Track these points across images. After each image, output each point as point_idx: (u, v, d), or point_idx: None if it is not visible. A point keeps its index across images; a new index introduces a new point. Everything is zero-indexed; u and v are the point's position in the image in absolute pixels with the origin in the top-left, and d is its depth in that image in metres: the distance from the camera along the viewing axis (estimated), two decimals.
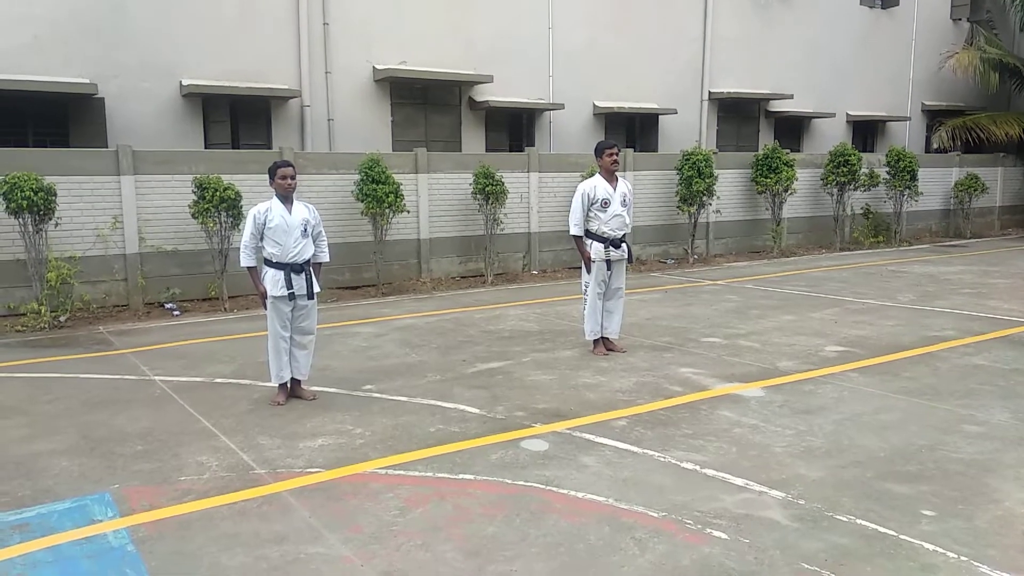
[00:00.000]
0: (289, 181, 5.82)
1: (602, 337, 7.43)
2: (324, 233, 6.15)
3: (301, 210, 5.89)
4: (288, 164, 5.91)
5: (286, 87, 12.67)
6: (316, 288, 5.99)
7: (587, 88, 15.81)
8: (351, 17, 13.29)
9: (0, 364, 7.29)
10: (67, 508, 4.12)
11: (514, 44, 14.85)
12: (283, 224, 5.77)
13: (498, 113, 14.98)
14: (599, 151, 7.23)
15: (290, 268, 5.82)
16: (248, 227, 5.84)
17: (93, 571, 3.48)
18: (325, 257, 6.14)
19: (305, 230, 5.88)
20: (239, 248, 5.96)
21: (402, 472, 4.56)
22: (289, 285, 5.81)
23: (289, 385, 6.04)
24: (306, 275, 5.91)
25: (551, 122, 15.55)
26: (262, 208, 5.83)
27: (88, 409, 5.85)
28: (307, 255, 5.91)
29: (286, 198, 5.85)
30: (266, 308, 5.91)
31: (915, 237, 17.82)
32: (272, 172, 5.86)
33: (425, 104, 14.36)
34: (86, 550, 3.67)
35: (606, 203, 7.12)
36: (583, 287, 7.39)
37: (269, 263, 5.86)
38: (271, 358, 5.96)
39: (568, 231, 7.36)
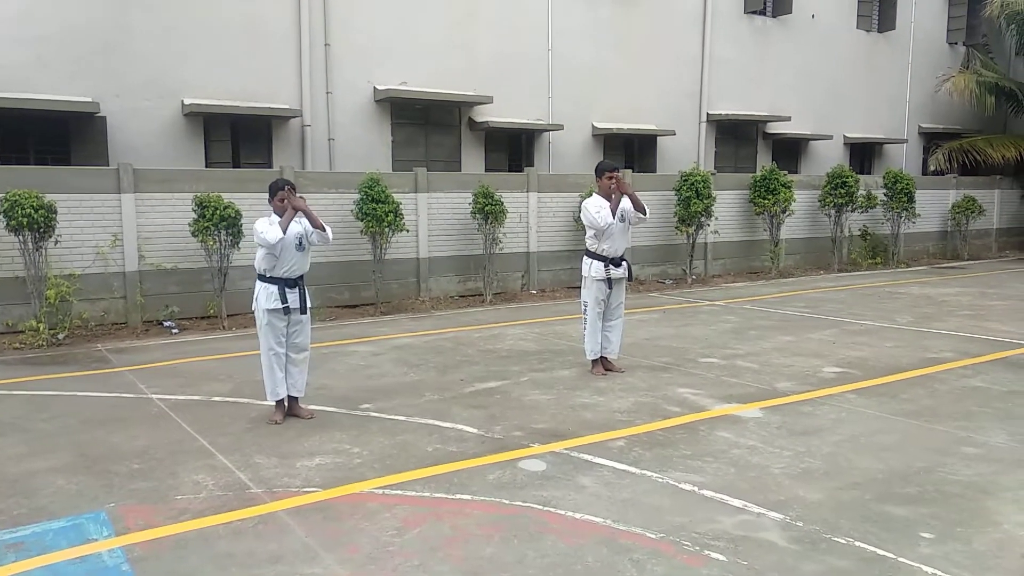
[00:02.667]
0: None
1: (601, 357, 7.44)
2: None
3: (295, 226, 5.91)
4: (288, 185, 5.97)
5: (287, 107, 12.74)
6: (308, 303, 6.03)
7: (586, 109, 15.92)
8: (352, 38, 13.39)
9: None
10: (62, 527, 4.10)
11: (514, 65, 14.97)
12: (280, 240, 5.83)
13: (498, 133, 15.07)
14: (599, 172, 7.27)
15: (284, 283, 5.87)
16: (263, 225, 5.82)
17: None
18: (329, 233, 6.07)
19: (300, 244, 5.92)
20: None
21: (399, 492, 4.55)
22: (284, 299, 5.84)
23: (286, 403, 6.05)
24: (300, 289, 5.96)
25: (550, 142, 15.63)
26: (266, 221, 5.90)
27: (85, 427, 5.83)
28: (301, 271, 5.97)
29: (283, 216, 5.90)
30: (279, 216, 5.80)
31: (912, 259, 17.87)
32: (272, 192, 5.94)
33: (425, 124, 14.44)
34: (81, 569, 3.65)
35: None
36: (583, 306, 7.39)
37: (263, 278, 5.91)
38: (265, 376, 5.96)
39: (586, 246, 7.33)
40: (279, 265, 5.85)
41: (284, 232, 5.76)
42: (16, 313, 9.17)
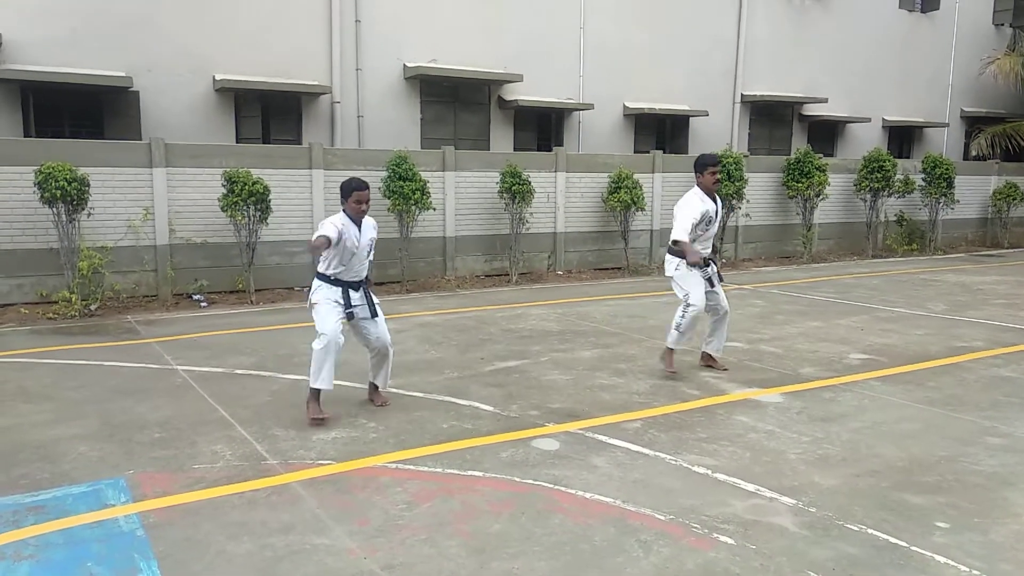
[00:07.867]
0: (364, 206, 5.41)
1: (703, 352, 6.95)
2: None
3: (368, 229, 5.52)
4: (365, 187, 5.45)
5: (317, 83, 12.79)
6: (376, 305, 5.65)
7: (617, 88, 15.76)
8: (382, 14, 13.38)
9: (30, 350, 7.45)
10: (82, 492, 4.20)
11: (545, 43, 14.85)
12: (353, 244, 5.39)
13: (527, 112, 14.99)
14: (702, 166, 6.48)
15: (348, 285, 5.49)
16: (328, 231, 5.24)
17: (102, 554, 3.54)
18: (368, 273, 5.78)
19: (369, 250, 5.58)
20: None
21: (412, 467, 4.58)
22: (348, 303, 5.45)
23: (367, 389, 5.87)
24: (364, 291, 5.60)
25: (580, 122, 15.51)
26: (339, 220, 5.35)
27: (111, 396, 5.96)
28: (364, 273, 5.63)
29: (356, 219, 5.46)
30: (324, 246, 5.23)
31: (950, 246, 17.48)
32: (347, 192, 5.39)
33: (454, 102, 14.41)
34: (97, 534, 3.74)
35: (710, 221, 6.54)
36: (683, 294, 6.56)
37: (325, 279, 5.47)
38: (322, 361, 5.30)
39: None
40: (348, 271, 5.46)
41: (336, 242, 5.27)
42: (50, 284, 9.37)
